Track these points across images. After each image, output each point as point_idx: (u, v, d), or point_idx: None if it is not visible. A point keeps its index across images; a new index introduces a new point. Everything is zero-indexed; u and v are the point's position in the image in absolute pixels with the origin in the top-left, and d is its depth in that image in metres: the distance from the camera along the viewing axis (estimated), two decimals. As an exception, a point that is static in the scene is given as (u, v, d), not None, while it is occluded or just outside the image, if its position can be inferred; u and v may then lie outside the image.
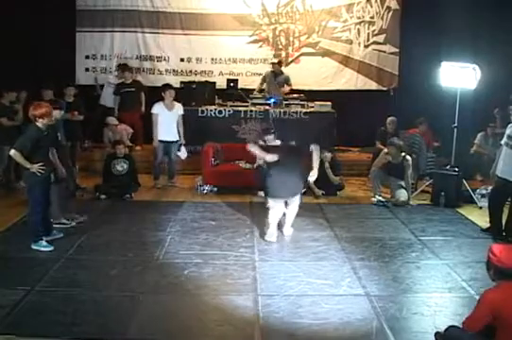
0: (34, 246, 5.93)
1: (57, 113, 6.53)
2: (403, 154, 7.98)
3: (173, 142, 8.59)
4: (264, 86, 10.46)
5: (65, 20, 10.45)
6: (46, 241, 5.99)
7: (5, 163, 8.07)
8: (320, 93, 10.43)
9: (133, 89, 10.16)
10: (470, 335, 3.68)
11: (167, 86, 8.77)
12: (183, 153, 8.70)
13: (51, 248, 5.92)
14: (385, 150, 8.18)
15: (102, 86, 10.58)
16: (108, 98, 10.34)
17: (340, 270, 5.61)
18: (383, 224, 7.18)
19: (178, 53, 11.10)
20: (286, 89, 10.34)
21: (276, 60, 10.40)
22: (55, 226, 6.38)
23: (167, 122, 8.47)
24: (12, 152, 5.72)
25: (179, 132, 8.59)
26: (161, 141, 8.54)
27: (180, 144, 8.66)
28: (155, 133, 8.52)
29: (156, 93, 10.06)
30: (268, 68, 10.53)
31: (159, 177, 8.78)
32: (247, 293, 5.05)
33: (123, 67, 10.42)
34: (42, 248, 5.90)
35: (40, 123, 5.78)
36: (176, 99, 8.70)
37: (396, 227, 7.10)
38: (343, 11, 11.03)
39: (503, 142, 6.53)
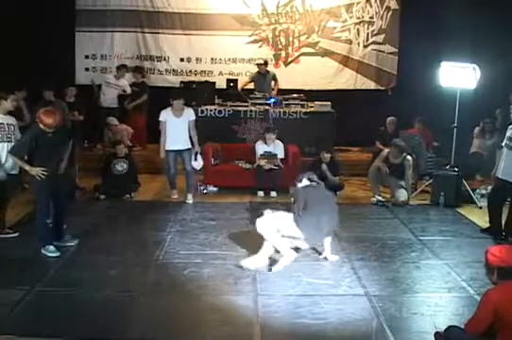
0: (42, 251, 5.85)
1: None
2: (404, 154, 7.99)
3: (184, 150, 7.90)
4: (252, 86, 10.42)
5: (65, 20, 10.45)
6: (57, 246, 5.91)
7: None
8: (320, 93, 10.41)
9: (137, 89, 10.25)
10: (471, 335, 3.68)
11: (176, 96, 7.90)
12: (199, 163, 8.05)
13: (57, 254, 5.81)
14: (386, 150, 8.17)
15: (99, 86, 10.42)
16: (108, 99, 10.24)
17: (340, 270, 5.61)
18: (382, 224, 7.19)
19: (178, 53, 11.10)
20: (275, 86, 10.35)
21: (262, 61, 10.36)
22: None
23: (176, 129, 7.77)
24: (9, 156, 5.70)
25: (191, 139, 7.89)
26: (170, 150, 7.89)
27: (196, 153, 7.97)
28: (162, 143, 7.85)
29: (155, 93, 10.16)
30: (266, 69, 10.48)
31: (175, 186, 8.19)
32: (247, 293, 5.05)
33: (134, 68, 10.59)
34: (49, 254, 5.82)
35: (42, 125, 5.72)
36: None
37: (395, 227, 7.10)
38: (342, 11, 11.02)
39: (503, 143, 6.54)
